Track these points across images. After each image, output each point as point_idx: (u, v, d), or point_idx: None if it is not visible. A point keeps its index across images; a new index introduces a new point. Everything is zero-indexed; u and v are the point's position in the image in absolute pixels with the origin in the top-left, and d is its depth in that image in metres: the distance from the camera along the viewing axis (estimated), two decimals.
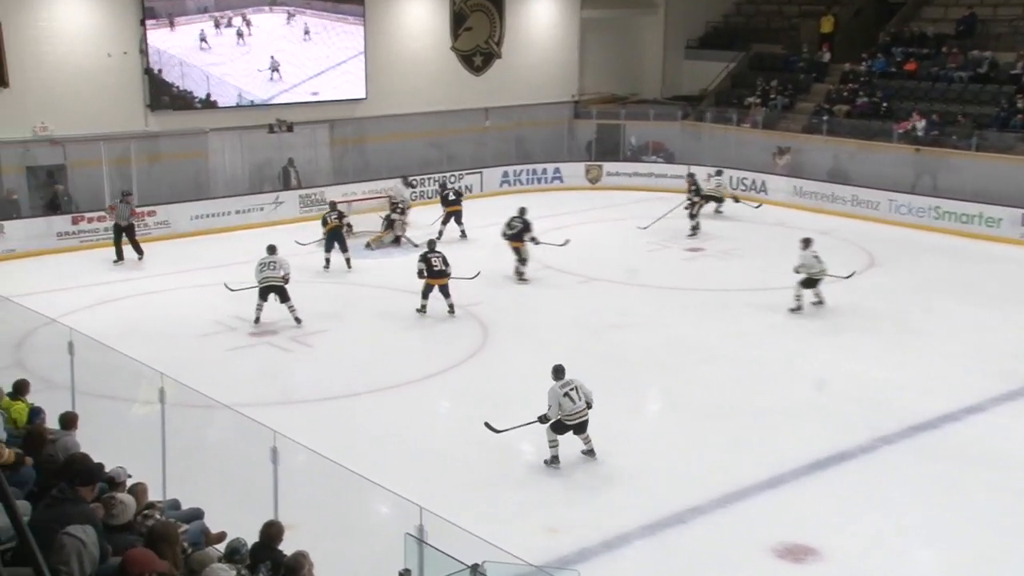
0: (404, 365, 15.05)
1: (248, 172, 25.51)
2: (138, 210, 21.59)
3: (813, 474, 11.70)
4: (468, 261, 19.61)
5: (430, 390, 14.31)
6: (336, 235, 20.14)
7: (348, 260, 20.15)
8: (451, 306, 17.25)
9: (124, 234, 20.46)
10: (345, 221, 20.67)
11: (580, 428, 11.81)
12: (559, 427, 11.75)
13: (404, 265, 20.64)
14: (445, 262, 17.27)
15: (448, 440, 12.60)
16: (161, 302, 18.14)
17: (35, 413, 9.50)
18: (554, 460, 11.77)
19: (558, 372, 11.85)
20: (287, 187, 25.22)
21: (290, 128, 25.08)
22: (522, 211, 19.84)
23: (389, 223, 22.28)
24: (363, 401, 13.82)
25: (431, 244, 17.91)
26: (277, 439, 8.34)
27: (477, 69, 29.50)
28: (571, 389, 11.68)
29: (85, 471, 6.77)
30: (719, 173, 25.91)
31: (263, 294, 16.60)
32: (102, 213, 21.33)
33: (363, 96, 26.86)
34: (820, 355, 15.71)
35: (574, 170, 29.39)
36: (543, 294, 19.06)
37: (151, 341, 15.69)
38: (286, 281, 16.57)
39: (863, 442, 12.47)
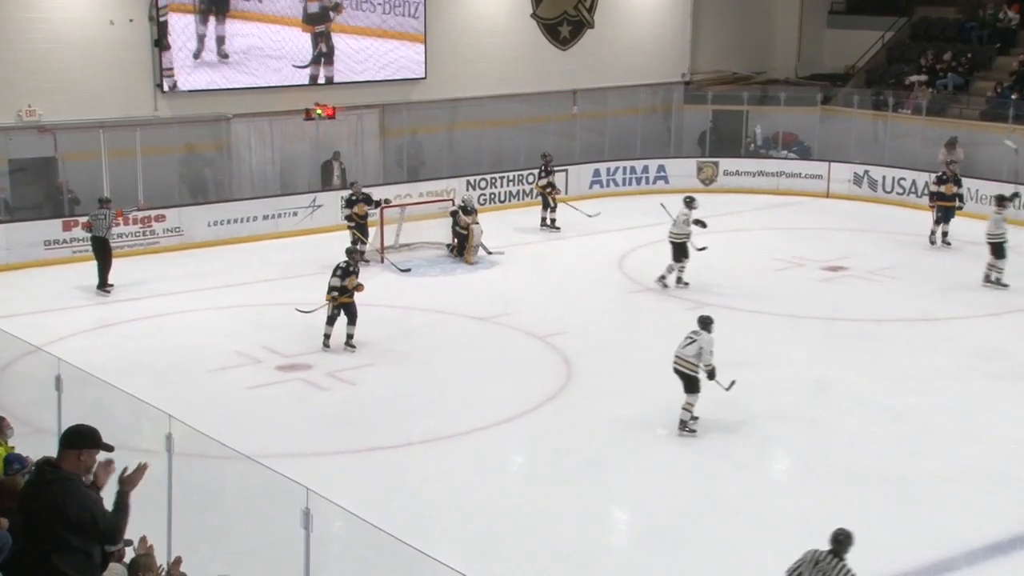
0: (468, 409, 15.04)
1: (279, 168, 25.87)
2: (138, 214, 21.97)
3: (992, 560, 11.43)
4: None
5: (499, 441, 14.28)
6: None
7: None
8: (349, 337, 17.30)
9: (103, 250, 20.10)
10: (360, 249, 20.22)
11: (681, 380, 14.05)
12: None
13: (467, 285, 20.77)
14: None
15: (522, 504, 12.54)
16: (170, 327, 18.40)
17: (11, 462, 9.58)
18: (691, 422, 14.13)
19: (705, 323, 14.16)
20: (328, 186, 25.56)
21: (332, 114, 25.36)
22: None
23: (463, 230, 22.24)
24: (417, 453, 13.83)
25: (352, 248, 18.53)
26: (310, 499, 8.36)
27: (564, 42, 29.58)
28: (691, 340, 13.95)
29: (69, 434, 6.92)
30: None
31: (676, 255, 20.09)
32: (86, 219, 20.61)
33: (422, 76, 27.10)
34: (1001, 406, 15.34)
35: (683, 168, 29.28)
36: (642, 323, 18.94)
37: (157, 375, 15.92)
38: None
39: None
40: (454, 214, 22.53)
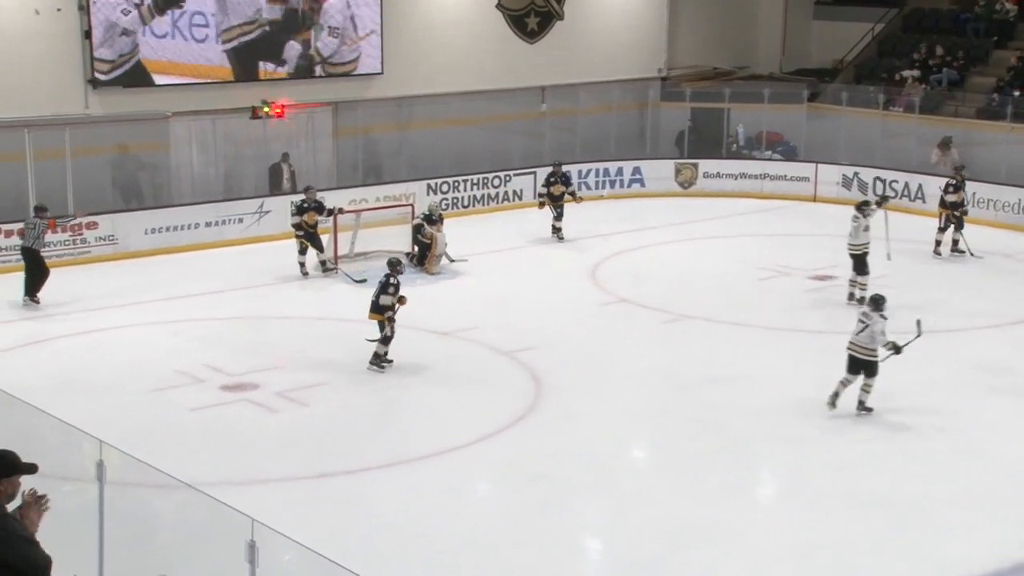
0: (429, 431, 15.01)
1: (223, 171, 25.75)
2: (73, 223, 21.79)
3: None
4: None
5: (464, 465, 14.22)
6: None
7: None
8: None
9: (33, 262, 20.00)
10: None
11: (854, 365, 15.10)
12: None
13: (429, 296, 20.69)
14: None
15: (489, 532, 12.49)
16: (105, 344, 18.27)
17: None
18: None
19: (877, 303, 15.12)
20: (277, 190, 25.45)
21: (281, 114, 25.28)
22: None
23: (426, 240, 22.16)
24: (373, 479, 13.74)
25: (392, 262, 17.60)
26: (256, 530, 8.30)
27: (531, 34, 29.62)
28: (863, 325, 14.94)
29: None
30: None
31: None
32: (21, 226, 20.77)
33: (378, 70, 27.06)
34: (1003, 423, 15.42)
35: (660, 170, 29.36)
36: (615, 337, 18.92)
37: (90, 396, 15.78)
38: None
39: None
40: (418, 227, 22.41)
